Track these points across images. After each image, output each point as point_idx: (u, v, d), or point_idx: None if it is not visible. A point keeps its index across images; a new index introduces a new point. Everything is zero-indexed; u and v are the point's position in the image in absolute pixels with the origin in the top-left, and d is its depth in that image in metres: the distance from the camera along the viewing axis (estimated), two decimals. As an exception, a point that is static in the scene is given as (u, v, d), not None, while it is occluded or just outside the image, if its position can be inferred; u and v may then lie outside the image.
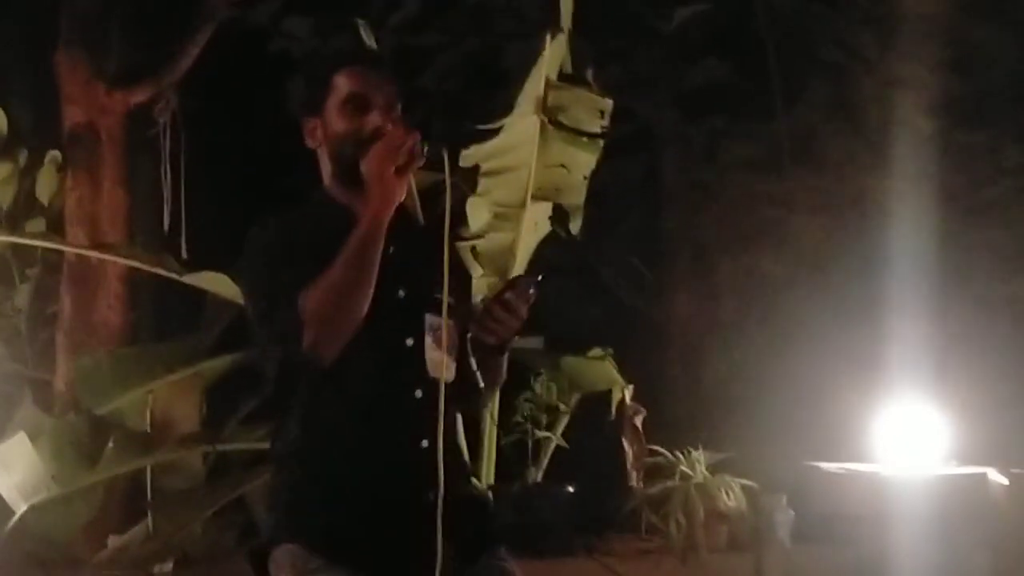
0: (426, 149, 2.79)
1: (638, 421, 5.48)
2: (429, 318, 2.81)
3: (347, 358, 2.71)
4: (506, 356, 2.88)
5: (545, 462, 5.44)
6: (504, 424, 5.32)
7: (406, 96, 2.95)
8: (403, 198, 2.78)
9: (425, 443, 2.75)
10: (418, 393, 2.78)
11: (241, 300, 4.69)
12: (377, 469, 2.76)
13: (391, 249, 2.79)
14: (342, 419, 2.78)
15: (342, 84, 2.89)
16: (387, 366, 2.78)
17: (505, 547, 2.90)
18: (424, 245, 2.83)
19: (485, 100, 5.91)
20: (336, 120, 2.88)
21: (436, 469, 2.71)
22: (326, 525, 2.75)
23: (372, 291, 2.69)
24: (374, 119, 2.85)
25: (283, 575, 2.74)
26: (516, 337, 2.85)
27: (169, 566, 4.88)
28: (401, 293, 2.81)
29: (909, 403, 4.82)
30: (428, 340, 2.79)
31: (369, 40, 5.36)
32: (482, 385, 2.86)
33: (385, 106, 2.87)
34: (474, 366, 2.83)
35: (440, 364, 2.77)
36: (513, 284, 2.79)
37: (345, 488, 2.76)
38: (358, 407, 2.78)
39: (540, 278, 2.78)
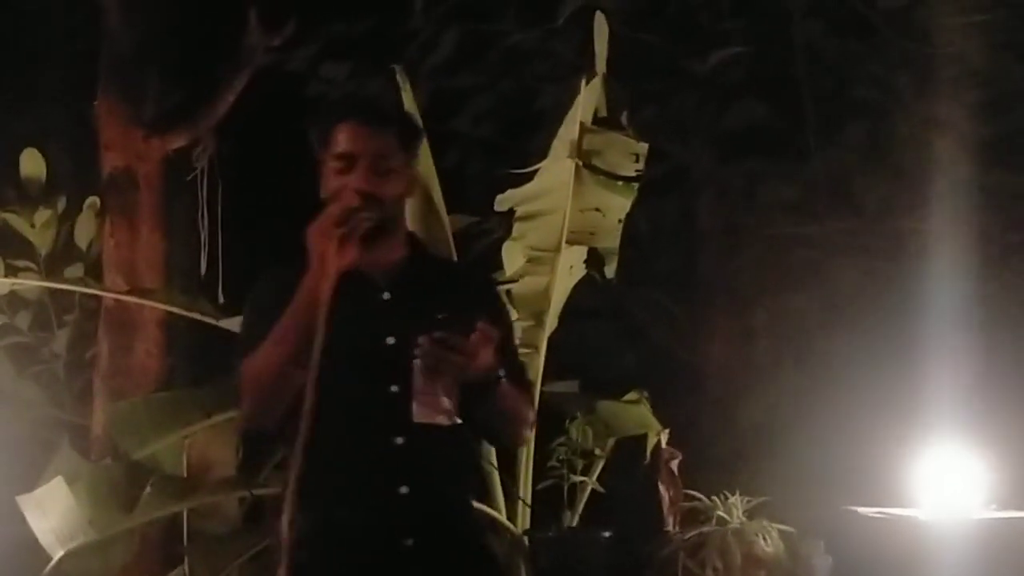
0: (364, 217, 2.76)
1: (674, 465, 5.46)
2: (419, 363, 2.80)
3: (332, 405, 2.73)
4: (494, 392, 2.81)
5: (581, 507, 5.41)
6: (539, 469, 5.30)
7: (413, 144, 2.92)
8: (346, 266, 2.73)
9: (404, 489, 2.77)
10: (399, 440, 2.78)
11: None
12: (357, 515, 2.79)
13: (385, 295, 2.86)
14: (327, 465, 2.77)
15: (339, 139, 2.86)
16: (369, 413, 2.80)
17: None
18: (419, 293, 2.85)
19: (520, 143, 5.93)
20: (330, 176, 2.87)
21: (415, 515, 2.76)
22: (317, 564, 2.77)
23: (305, 360, 2.66)
24: (354, 179, 2.81)
25: None
26: (501, 371, 2.80)
27: (205, 611, 4.89)
28: (391, 340, 2.81)
29: (948, 447, 4.78)
30: (418, 386, 2.78)
31: (404, 84, 5.38)
32: (457, 420, 2.82)
33: (370, 164, 2.81)
34: (447, 404, 2.81)
35: (433, 409, 2.80)
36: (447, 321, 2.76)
37: (332, 531, 2.79)
38: (340, 453, 2.79)
39: (479, 315, 2.75)
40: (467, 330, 2.71)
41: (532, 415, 3.01)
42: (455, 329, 2.71)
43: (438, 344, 2.70)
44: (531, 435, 3.13)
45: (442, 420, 2.79)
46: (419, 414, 2.78)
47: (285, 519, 2.73)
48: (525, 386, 3.00)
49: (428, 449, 2.80)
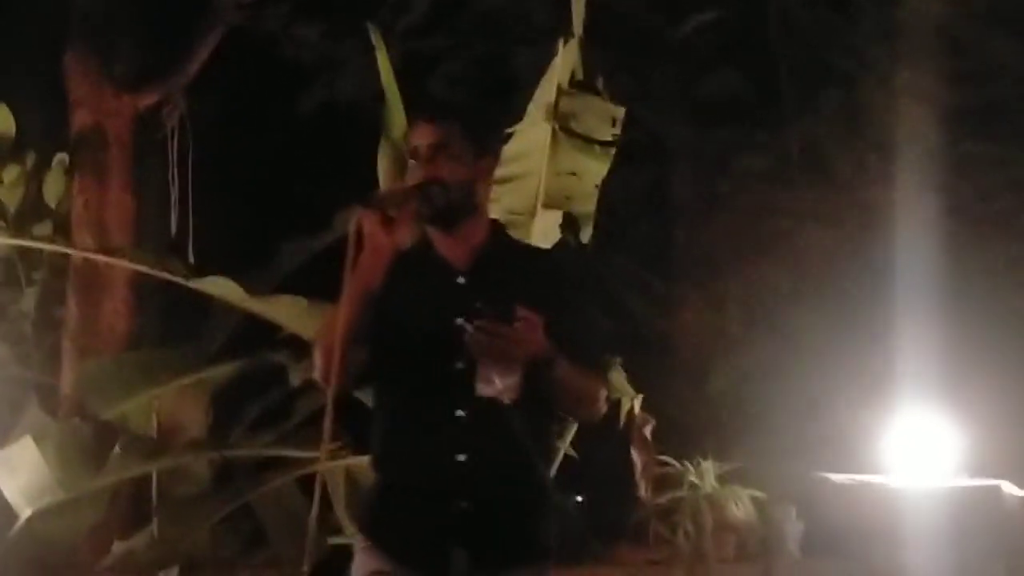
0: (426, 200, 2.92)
1: (647, 431, 5.45)
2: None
3: (402, 379, 2.97)
4: (551, 373, 2.90)
5: (553, 471, 5.40)
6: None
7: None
8: (396, 246, 2.91)
9: (462, 457, 2.93)
10: (459, 412, 2.94)
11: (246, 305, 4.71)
12: (420, 478, 2.97)
13: (460, 279, 3.00)
14: (398, 432, 3.01)
15: (412, 136, 3.05)
16: (435, 387, 2.96)
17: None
18: (496, 278, 2.97)
19: (494, 106, 5.89)
20: (411, 169, 3.03)
21: (471, 481, 2.93)
22: (377, 517, 3.03)
23: (366, 333, 2.89)
24: (418, 167, 2.97)
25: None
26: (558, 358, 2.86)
27: (174, 572, 4.84)
28: (459, 321, 2.88)
29: (920, 415, 4.80)
30: (482, 364, 2.87)
31: (379, 44, 5.33)
32: (517, 397, 2.87)
33: (432, 152, 2.97)
34: (498, 384, 2.87)
35: (496, 385, 2.89)
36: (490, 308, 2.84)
37: (396, 491, 3.01)
38: (406, 423, 3.00)
39: (509, 306, 2.82)
40: (512, 316, 2.82)
41: (599, 392, 3.07)
42: (500, 315, 2.81)
43: (480, 331, 2.80)
44: (602, 411, 3.13)
45: (504, 396, 2.88)
46: (482, 388, 2.88)
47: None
48: (593, 364, 3.05)
49: (487, 422, 2.91)
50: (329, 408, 2.91)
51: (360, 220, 2.91)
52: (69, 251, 5.70)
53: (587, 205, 5.23)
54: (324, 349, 2.96)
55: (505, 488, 2.95)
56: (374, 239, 2.89)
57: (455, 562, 2.92)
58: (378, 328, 2.93)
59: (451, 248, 3.02)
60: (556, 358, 2.89)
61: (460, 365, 2.90)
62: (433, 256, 3.02)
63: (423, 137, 2.98)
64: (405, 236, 2.95)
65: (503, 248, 3.08)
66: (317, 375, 2.98)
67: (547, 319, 2.86)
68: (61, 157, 6.05)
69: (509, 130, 5.15)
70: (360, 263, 2.90)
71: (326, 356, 2.95)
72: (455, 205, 2.98)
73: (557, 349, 2.89)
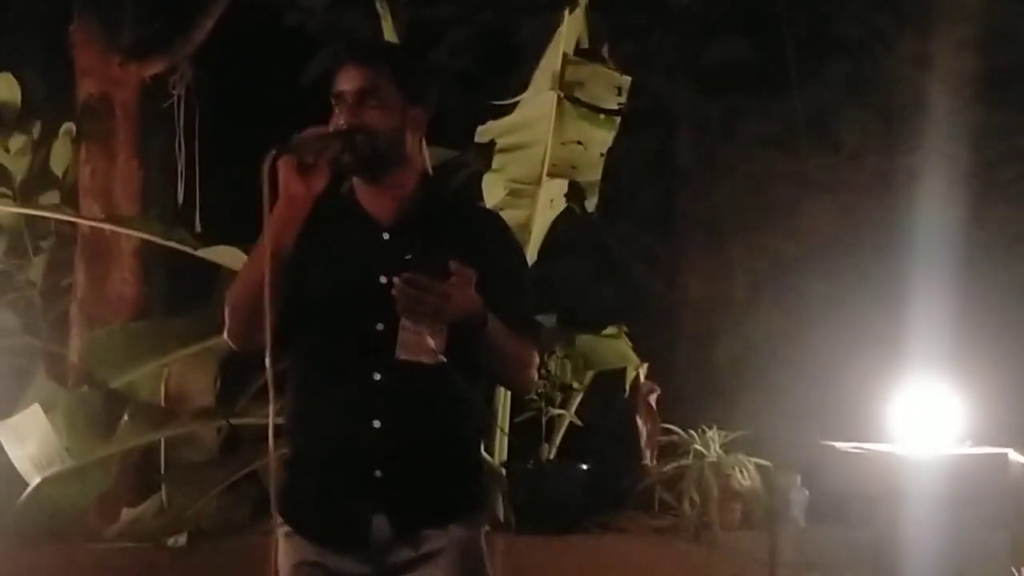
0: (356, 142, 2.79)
1: (652, 399, 5.48)
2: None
3: (316, 340, 2.85)
4: (482, 333, 2.77)
5: (559, 440, 5.43)
6: (518, 401, 5.30)
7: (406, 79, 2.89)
8: (312, 194, 2.76)
9: (377, 423, 2.81)
10: (376, 376, 2.82)
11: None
12: (332, 447, 2.85)
13: (385, 235, 2.88)
14: (308, 399, 2.89)
15: (337, 80, 2.90)
16: (352, 349, 2.84)
17: (477, 527, 2.94)
18: (424, 234, 2.84)
19: (499, 75, 5.89)
20: (333, 117, 2.89)
21: (386, 449, 2.81)
22: (289, 496, 2.89)
23: (279, 290, 2.72)
24: (340, 113, 2.84)
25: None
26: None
27: (183, 539, 4.88)
28: (383, 280, 2.78)
29: (925, 382, 4.80)
30: (405, 324, 2.72)
31: (384, 13, 5.33)
32: (442, 359, 2.74)
33: (358, 98, 2.83)
34: (431, 343, 2.72)
35: (417, 347, 2.74)
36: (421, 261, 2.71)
37: (306, 463, 2.88)
38: (320, 387, 2.87)
39: (448, 259, 2.69)
40: (444, 271, 2.68)
41: (533, 357, 2.95)
42: (430, 270, 2.66)
43: (409, 285, 2.65)
44: (534, 378, 3.06)
45: (425, 359, 2.73)
46: (402, 352, 2.74)
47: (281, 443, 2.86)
48: (526, 328, 2.93)
49: (405, 386, 2.80)
50: (269, 374, 2.74)
51: (273, 165, 2.73)
52: (76, 220, 5.72)
53: (592, 174, 5.25)
54: (232, 307, 2.82)
55: (423, 455, 2.83)
56: (289, 188, 2.73)
57: (376, 530, 2.80)
58: (292, 285, 2.77)
59: (375, 201, 2.88)
60: (488, 318, 2.75)
61: (380, 326, 2.77)
62: (356, 209, 2.89)
63: (350, 82, 2.83)
64: (321, 186, 2.78)
65: (432, 203, 2.94)
66: (226, 335, 2.85)
67: (478, 278, 2.72)
68: (68, 126, 6.04)
69: (515, 99, 5.17)
70: (274, 214, 2.73)
71: (234, 314, 2.81)
72: (382, 154, 2.84)
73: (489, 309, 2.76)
